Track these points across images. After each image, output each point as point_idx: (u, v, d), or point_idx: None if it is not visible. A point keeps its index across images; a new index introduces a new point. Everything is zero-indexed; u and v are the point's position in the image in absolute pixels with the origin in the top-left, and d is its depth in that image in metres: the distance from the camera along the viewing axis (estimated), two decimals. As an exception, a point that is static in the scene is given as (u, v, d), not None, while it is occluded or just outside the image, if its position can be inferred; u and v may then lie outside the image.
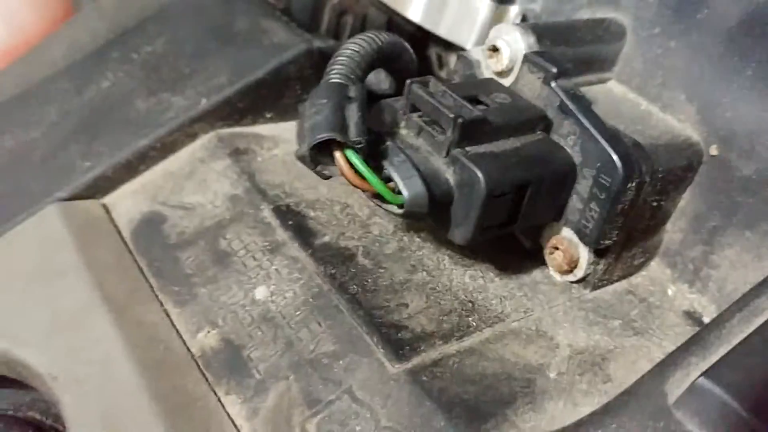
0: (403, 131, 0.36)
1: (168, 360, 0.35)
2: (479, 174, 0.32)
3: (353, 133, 0.32)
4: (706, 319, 0.38)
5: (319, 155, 0.33)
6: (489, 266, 0.39)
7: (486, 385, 0.32)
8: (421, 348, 0.33)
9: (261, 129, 0.47)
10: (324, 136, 0.32)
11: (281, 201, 0.41)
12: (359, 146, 0.32)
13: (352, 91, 0.34)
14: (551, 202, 0.36)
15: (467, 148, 0.34)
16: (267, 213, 0.40)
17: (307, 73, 0.48)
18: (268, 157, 0.45)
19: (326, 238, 0.39)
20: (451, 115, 0.33)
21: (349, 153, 0.32)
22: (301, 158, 0.34)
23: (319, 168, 0.34)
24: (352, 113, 0.33)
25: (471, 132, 0.33)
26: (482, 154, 0.34)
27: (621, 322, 0.37)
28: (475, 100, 0.36)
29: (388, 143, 0.34)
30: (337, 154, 0.32)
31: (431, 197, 0.33)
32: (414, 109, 0.35)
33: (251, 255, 0.38)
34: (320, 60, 0.47)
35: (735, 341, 0.29)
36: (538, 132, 0.36)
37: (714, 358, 0.29)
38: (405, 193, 0.32)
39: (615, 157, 0.34)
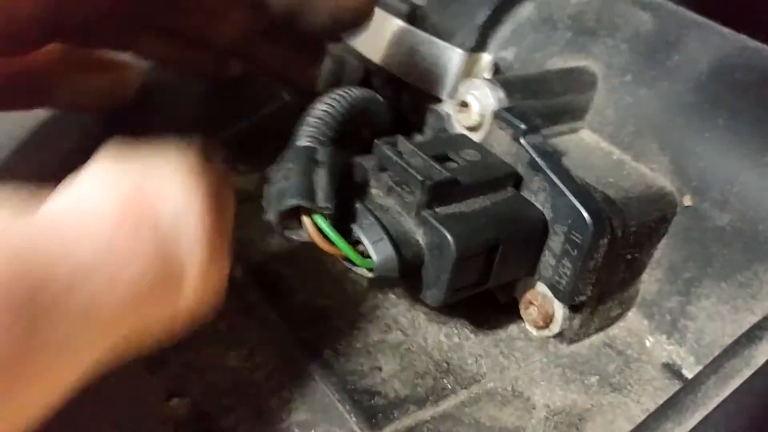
0: (373, 191, 0.35)
1: (138, 429, 0.34)
2: (449, 236, 0.32)
3: (321, 198, 0.32)
4: (685, 371, 0.37)
5: (287, 220, 0.33)
6: (464, 322, 0.39)
7: (461, 452, 0.32)
8: (395, 415, 0.33)
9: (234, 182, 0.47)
10: (291, 203, 0.32)
11: (253, 259, 0.40)
12: (327, 212, 0.32)
13: (321, 155, 0.34)
14: (523, 259, 0.36)
15: (437, 209, 0.33)
16: (238, 272, 0.40)
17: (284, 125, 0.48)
18: (240, 212, 0.44)
19: (299, 298, 0.38)
20: (420, 178, 0.33)
21: (318, 218, 0.32)
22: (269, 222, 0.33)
23: (287, 233, 0.33)
24: (321, 178, 0.33)
25: (440, 193, 0.33)
26: (452, 214, 0.33)
27: (598, 377, 0.37)
28: (444, 158, 0.35)
29: (357, 205, 0.34)
30: (305, 220, 0.32)
31: (402, 260, 0.32)
32: (383, 168, 0.35)
33: (222, 317, 0.38)
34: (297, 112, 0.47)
35: (711, 405, 0.29)
36: (509, 189, 0.36)
37: (691, 423, 0.29)
38: (374, 257, 0.32)
39: (585, 214, 0.33)
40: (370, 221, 0.33)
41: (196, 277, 0.24)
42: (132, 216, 0.23)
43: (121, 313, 0.22)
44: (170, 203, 0.24)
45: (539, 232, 0.35)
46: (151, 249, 0.23)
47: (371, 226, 0.33)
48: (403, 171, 0.34)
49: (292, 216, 0.32)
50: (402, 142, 0.35)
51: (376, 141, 0.35)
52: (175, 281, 0.24)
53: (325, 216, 0.32)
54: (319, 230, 0.32)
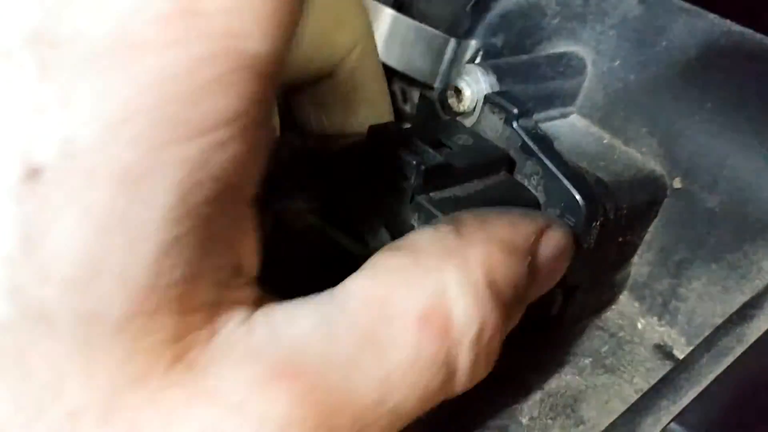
0: (367, 177, 0.35)
1: None
2: None
3: None
4: (677, 352, 0.38)
5: None
6: (458, 307, 0.39)
7: (458, 434, 0.32)
8: (392, 398, 0.33)
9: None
10: None
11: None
12: None
13: None
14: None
15: (431, 194, 0.33)
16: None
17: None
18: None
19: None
20: (414, 162, 0.33)
21: None
22: None
23: None
24: None
25: (434, 177, 0.33)
26: (446, 199, 0.33)
27: (592, 359, 0.37)
28: (437, 144, 0.35)
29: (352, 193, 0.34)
30: None
31: None
32: (378, 154, 0.35)
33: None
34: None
35: (705, 382, 0.29)
36: (502, 173, 0.36)
37: (685, 401, 0.29)
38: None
39: (578, 197, 0.34)
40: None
41: (466, 376, 0.25)
42: (434, 323, 0.23)
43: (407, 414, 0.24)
44: (459, 315, 0.24)
45: None
46: (443, 356, 0.23)
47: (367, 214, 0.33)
48: (396, 157, 0.34)
49: None
50: (394, 128, 0.35)
51: (370, 126, 0.35)
52: (450, 381, 0.24)
53: None
54: None
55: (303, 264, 0.33)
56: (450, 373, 0.24)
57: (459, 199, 0.34)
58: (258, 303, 0.22)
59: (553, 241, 0.30)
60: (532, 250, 0.28)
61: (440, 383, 0.24)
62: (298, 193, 0.32)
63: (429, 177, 0.33)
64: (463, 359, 0.24)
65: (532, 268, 0.28)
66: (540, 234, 0.29)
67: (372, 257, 0.25)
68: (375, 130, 0.35)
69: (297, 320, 0.22)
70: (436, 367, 0.23)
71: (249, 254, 0.22)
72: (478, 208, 0.29)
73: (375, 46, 0.37)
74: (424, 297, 0.24)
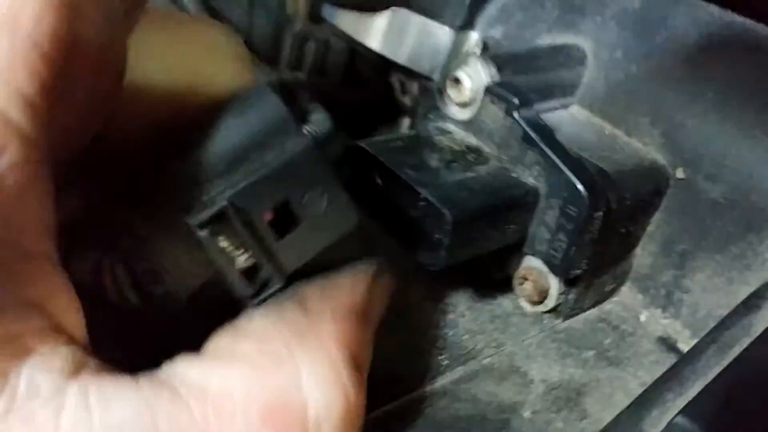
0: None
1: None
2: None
3: None
4: (681, 345, 0.37)
5: None
6: (459, 300, 0.38)
7: (460, 428, 0.31)
8: (392, 393, 0.32)
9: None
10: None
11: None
12: None
13: None
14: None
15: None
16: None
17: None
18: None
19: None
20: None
21: None
22: None
23: None
24: None
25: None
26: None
27: (595, 352, 0.36)
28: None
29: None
30: None
31: None
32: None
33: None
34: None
35: (711, 375, 0.29)
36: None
37: (691, 394, 0.28)
38: None
39: (580, 187, 0.33)
40: None
41: None
42: (283, 418, 0.22)
43: None
44: (318, 401, 0.23)
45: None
46: None
47: None
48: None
49: None
50: None
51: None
52: None
53: None
54: None
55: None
56: None
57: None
58: (78, 370, 0.20)
59: (386, 287, 0.30)
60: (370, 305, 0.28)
61: None
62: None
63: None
64: None
65: (371, 318, 0.28)
66: (373, 283, 0.28)
67: (212, 340, 0.24)
68: None
69: (115, 404, 0.20)
70: None
71: (64, 310, 0.20)
72: (312, 278, 0.27)
73: None
74: (271, 391, 0.22)
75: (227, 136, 0.26)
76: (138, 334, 0.28)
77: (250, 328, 0.24)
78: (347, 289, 0.27)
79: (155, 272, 0.26)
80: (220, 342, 0.24)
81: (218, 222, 0.25)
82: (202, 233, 0.25)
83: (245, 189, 0.26)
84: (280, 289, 0.26)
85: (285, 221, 0.26)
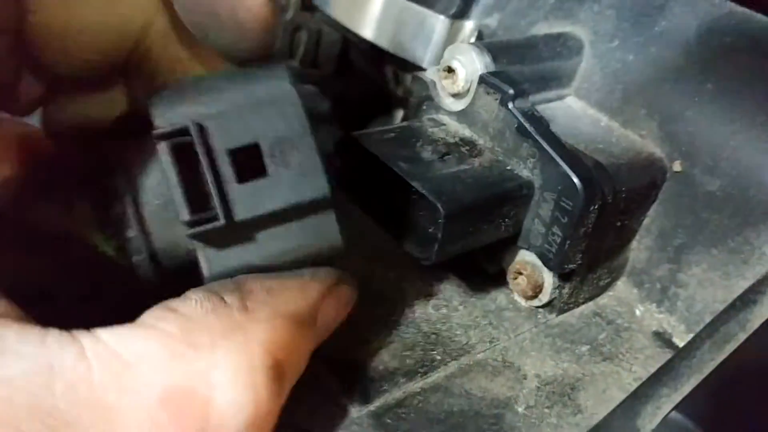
0: None
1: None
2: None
3: None
4: (676, 339, 0.37)
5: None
6: (452, 294, 0.38)
7: (453, 423, 0.31)
8: (384, 387, 0.32)
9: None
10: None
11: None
12: None
13: None
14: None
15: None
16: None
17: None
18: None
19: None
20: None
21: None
22: None
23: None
24: None
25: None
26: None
27: (589, 347, 0.36)
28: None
29: None
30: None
31: None
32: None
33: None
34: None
35: (706, 370, 0.29)
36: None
37: (686, 389, 0.28)
38: None
39: (576, 180, 0.33)
40: None
41: None
42: (181, 404, 0.22)
43: None
44: (224, 401, 0.22)
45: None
46: None
47: None
48: None
49: None
50: None
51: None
52: None
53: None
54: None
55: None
56: None
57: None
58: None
59: (342, 299, 0.29)
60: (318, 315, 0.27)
61: None
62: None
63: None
64: None
65: (318, 328, 0.27)
66: (327, 293, 0.28)
67: (146, 312, 0.23)
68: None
69: (11, 356, 0.20)
70: None
71: None
72: (265, 273, 0.26)
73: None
74: (179, 376, 0.22)
75: (224, 82, 0.26)
76: (100, 283, 0.28)
77: (182, 308, 0.24)
78: (295, 295, 0.26)
79: (124, 216, 0.26)
80: (151, 314, 0.23)
81: (179, 138, 0.24)
82: (160, 146, 0.24)
83: (215, 115, 0.25)
84: (225, 238, 0.25)
85: (252, 171, 0.25)
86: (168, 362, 0.22)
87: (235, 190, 0.25)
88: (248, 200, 0.25)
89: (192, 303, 0.24)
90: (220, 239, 0.26)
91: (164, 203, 0.27)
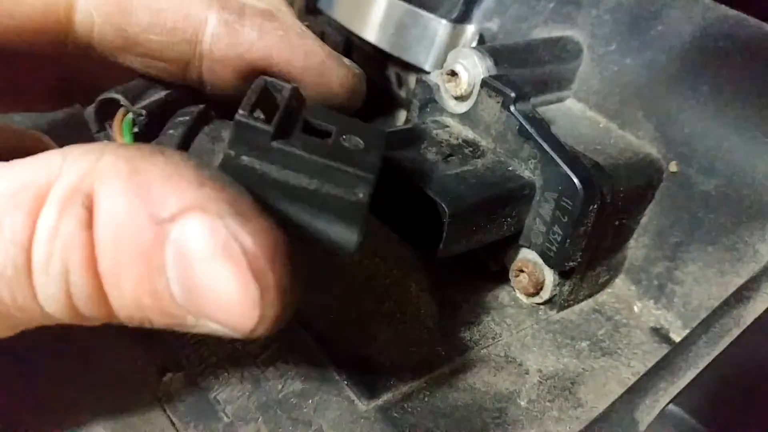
0: None
1: (132, 404, 0.34)
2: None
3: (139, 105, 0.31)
4: (673, 335, 0.38)
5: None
6: (456, 291, 0.39)
7: (457, 417, 0.32)
8: (391, 383, 0.33)
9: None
10: (109, 94, 0.31)
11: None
12: (141, 118, 0.31)
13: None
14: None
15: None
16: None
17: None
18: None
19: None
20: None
21: (127, 119, 0.31)
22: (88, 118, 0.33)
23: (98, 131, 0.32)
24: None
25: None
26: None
27: (589, 342, 0.37)
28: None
29: None
30: (117, 115, 0.31)
31: None
32: None
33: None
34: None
35: (702, 364, 0.30)
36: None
37: (683, 383, 0.29)
38: None
39: (576, 180, 0.34)
40: None
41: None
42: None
43: None
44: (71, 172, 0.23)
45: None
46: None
47: None
48: None
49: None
50: None
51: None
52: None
53: (135, 120, 0.31)
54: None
55: None
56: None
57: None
58: None
59: (191, 228, 0.22)
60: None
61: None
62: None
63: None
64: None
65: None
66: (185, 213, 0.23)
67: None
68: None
69: None
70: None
71: None
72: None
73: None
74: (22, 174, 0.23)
75: None
76: None
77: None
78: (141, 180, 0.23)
79: None
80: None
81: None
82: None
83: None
84: None
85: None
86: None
87: (297, 132, 0.27)
88: (302, 143, 0.26)
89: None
90: (255, 147, 0.26)
91: None
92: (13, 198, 0.23)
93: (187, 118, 0.30)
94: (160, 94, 0.32)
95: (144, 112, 0.31)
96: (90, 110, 0.31)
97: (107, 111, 0.31)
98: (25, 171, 0.23)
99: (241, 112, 0.26)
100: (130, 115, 0.31)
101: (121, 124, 0.30)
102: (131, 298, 0.24)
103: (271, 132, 0.26)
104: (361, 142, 0.28)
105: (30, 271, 0.23)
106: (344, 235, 0.26)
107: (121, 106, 0.31)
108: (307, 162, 0.26)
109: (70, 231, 0.23)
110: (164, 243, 0.22)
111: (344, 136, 0.28)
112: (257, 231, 0.23)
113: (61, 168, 0.23)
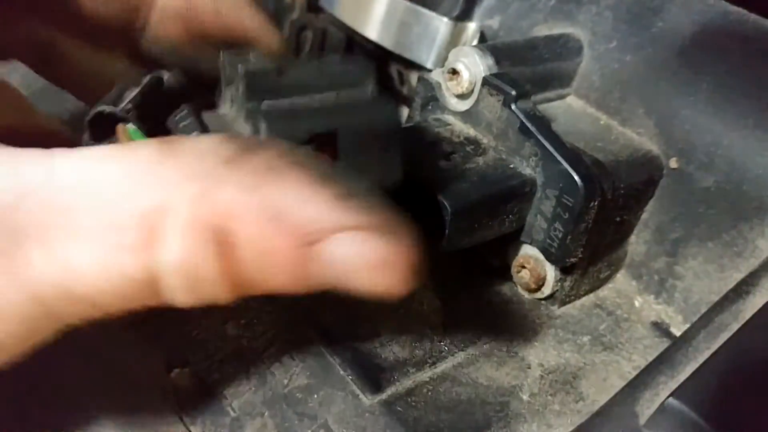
0: None
1: (140, 400, 0.35)
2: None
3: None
4: (674, 330, 0.39)
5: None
6: (459, 287, 0.39)
7: (460, 411, 0.32)
8: (395, 377, 0.33)
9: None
10: (97, 109, 0.32)
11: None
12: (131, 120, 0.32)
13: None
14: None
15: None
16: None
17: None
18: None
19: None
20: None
21: (130, 128, 0.32)
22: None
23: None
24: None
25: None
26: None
27: (590, 337, 0.38)
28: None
29: None
30: (118, 129, 0.32)
31: None
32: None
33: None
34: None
35: (702, 358, 0.30)
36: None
37: (682, 377, 0.29)
38: None
39: (576, 177, 0.34)
40: None
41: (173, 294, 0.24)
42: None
43: None
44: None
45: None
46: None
47: None
48: None
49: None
50: None
51: None
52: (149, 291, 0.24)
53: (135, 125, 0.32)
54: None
55: None
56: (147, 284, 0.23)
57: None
58: None
59: (344, 248, 0.24)
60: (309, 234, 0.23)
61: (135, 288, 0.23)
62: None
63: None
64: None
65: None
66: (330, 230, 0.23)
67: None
68: None
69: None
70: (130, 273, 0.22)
71: None
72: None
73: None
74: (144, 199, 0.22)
75: None
76: None
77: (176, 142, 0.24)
78: (292, 188, 0.23)
79: None
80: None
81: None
82: None
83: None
84: None
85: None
86: (133, 185, 0.22)
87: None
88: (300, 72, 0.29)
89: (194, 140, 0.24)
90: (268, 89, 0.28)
91: None
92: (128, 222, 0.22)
93: (185, 112, 0.30)
94: (136, 89, 0.33)
95: (135, 112, 0.32)
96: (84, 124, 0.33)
97: (100, 125, 0.32)
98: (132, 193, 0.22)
99: (242, 65, 0.27)
100: (131, 125, 0.31)
101: (129, 136, 0.31)
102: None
103: (276, 67, 0.28)
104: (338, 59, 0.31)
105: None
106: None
107: (116, 117, 0.32)
108: (322, 74, 0.29)
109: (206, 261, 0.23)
110: (314, 261, 0.24)
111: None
112: (396, 233, 0.25)
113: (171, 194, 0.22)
